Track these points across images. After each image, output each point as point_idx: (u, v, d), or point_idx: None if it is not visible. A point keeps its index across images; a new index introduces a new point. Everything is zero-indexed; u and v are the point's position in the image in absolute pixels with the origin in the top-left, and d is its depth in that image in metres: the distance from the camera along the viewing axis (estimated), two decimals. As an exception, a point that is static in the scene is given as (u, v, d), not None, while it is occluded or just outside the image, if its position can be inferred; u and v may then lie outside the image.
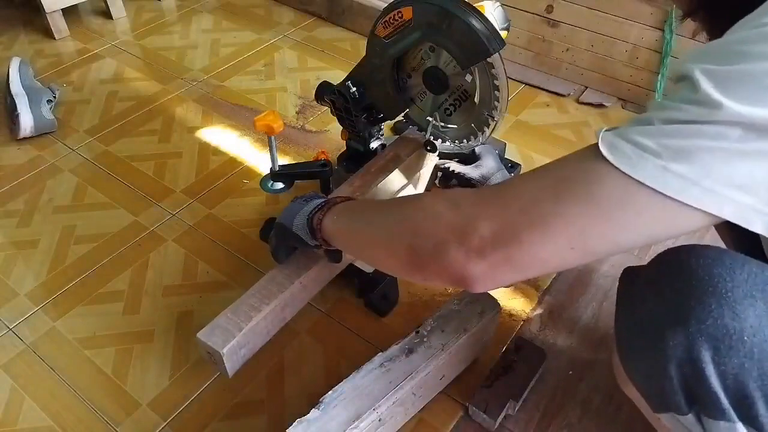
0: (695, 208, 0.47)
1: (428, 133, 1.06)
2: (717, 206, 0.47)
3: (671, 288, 0.57)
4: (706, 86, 0.46)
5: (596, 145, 0.51)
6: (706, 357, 0.53)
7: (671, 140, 0.47)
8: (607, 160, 0.49)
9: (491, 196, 0.58)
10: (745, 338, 0.52)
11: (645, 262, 0.64)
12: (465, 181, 1.13)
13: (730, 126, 0.45)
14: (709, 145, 0.46)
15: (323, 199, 0.84)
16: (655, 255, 0.62)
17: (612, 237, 0.52)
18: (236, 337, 0.89)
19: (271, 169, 1.22)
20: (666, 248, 0.61)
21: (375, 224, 0.71)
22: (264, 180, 1.31)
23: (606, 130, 0.52)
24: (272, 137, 1.14)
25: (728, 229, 0.82)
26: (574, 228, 0.52)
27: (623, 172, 0.48)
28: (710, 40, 0.57)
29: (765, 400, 0.53)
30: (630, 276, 0.66)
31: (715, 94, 0.45)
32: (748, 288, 0.53)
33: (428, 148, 1.09)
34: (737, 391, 0.54)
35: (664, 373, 0.57)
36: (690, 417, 0.58)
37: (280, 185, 1.18)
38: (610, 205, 0.50)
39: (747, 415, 0.54)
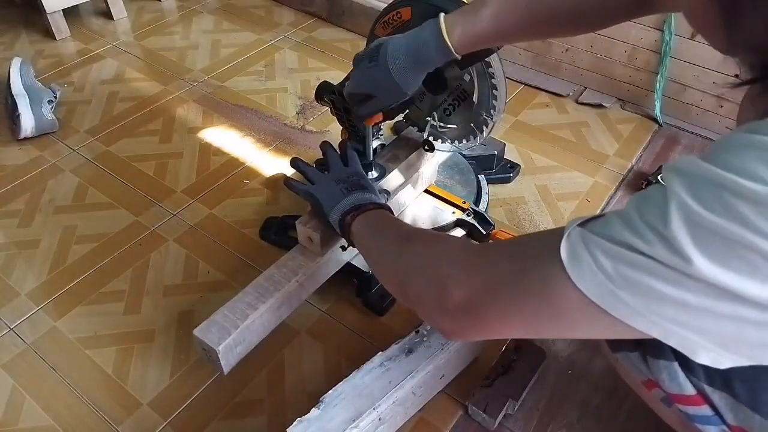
0: (641, 331, 0.47)
1: (426, 133, 1.07)
2: (662, 335, 0.46)
3: None
4: (679, 231, 0.42)
5: (561, 237, 0.50)
6: None
7: (627, 269, 0.46)
8: (565, 269, 0.49)
9: (468, 263, 0.61)
10: None
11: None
12: None
13: (695, 281, 0.43)
14: (663, 290, 0.44)
15: (357, 200, 0.86)
16: None
17: (562, 333, 0.55)
18: (232, 334, 0.89)
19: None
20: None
21: (383, 252, 0.76)
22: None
23: (577, 224, 0.51)
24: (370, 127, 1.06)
25: None
26: (527, 320, 0.55)
27: (577, 286, 0.48)
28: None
29: None
30: None
31: (687, 245, 0.42)
32: None
33: (426, 147, 1.09)
34: None
35: None
36: (637, 354, 0.67)
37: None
38: (561, 311, 0.51)
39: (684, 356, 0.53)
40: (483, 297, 0.57)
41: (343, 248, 0.98)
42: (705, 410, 0.63)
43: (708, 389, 0.62)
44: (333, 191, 0.88)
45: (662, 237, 0.44)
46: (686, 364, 0.62)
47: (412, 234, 0.74)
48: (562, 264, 0.49)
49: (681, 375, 0.63)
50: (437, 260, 0.62)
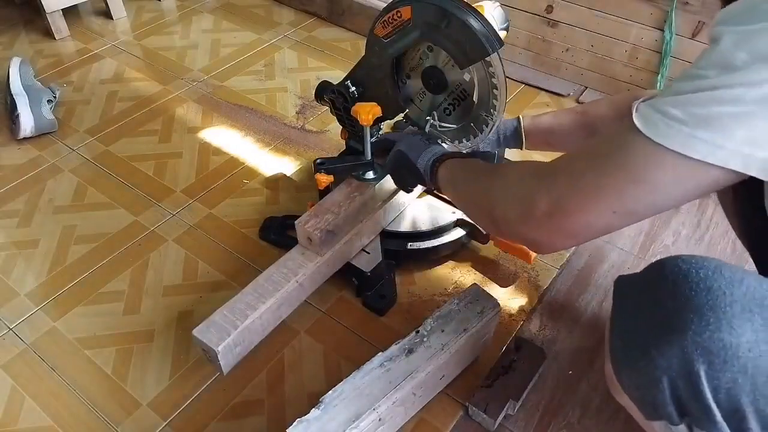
0: (722, 167, 0.50)
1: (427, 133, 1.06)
2: (743, 165, 0.49)
3: (669, 298, 0.57)
4: (729, 47, 0.49)
5: (631, 119, 0.54)
6: (701, 371, 0.54)
7: (697, 109, 0.50)
8: (640, 132, 0.53)
9: (546, 173, 0.63)
10: (740, 354, 0.52)
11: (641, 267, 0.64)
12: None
13: (750, 87, 0.48)
14: (730, 110, 0.48)
15: (442, 149, 0.93)
16: (651, 263, 0.62)
17: (648, 199, 0.55)
18: (231, 334, 0.90)
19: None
20: (663, 256, 0.61)
21: (470, 190, 0.81)
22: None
23: (641, 101, 0.55)
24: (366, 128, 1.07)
25: (731, 198, 0.81)
26: (612, 194, 0.56)
27: (654, 141, 0.52)
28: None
29: (757, 414, 0.53)
30: (624, 284, 0.66)
31: (738, 54, 0.48)
32: (747, 302, 0.53)
33: None
34: (730, 405, 0.54)
35: (657, 384, 0.57)
36: (682, 427, 0.59)
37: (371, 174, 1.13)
38: (643, 170, 0.53)
39: (738, 428, 0.54)
40: (564, 194, 0.59)
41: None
42: None
43: None
44: (416, 143, 0.95)
45: (719, 64, 0.50)
46: None
47: (495, 168, 0.79)
48: (637, 131, 0.53)
49: None
50: (519, 178, 0.67)
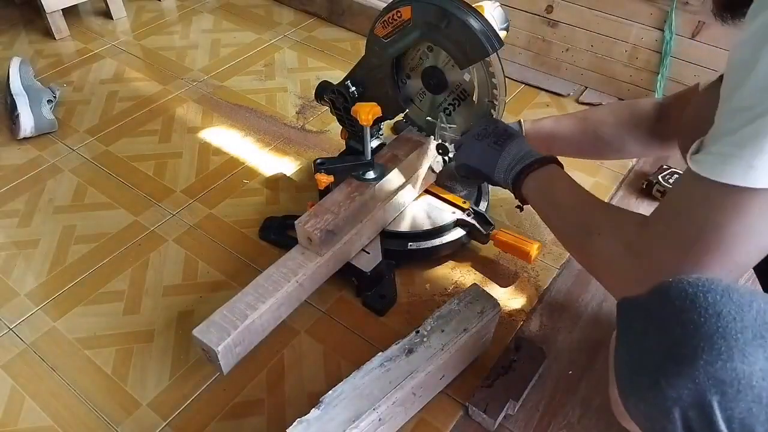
0: None
1: (437, 137, 1.06)
2: None
3: (676, 324, 0.55)
4: None
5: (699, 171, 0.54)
6: (714, 401, 0.51)
7: (747, 140, 0.50)
8: (702, 178, 0.53)
9: (646, 248, 0.60)
10: (754, 383, 0.50)
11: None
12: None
13: None
14: None
15: (522, 154, 0.85)
16: (656, 285, 0.59)
17: (753, 245, 0.54)
18: (231, 334, 0.90)
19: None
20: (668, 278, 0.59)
21: (561, 221, 0.77)
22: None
23: (692, 154, 0.55)
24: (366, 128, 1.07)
25: None
26: (718, 261, 0.55)
27: (718, 182, 0.52)
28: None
29: None
30: (628, 307, 0.63)
31: None
32: (757, 328, 0.51)
33: (440, 152, 1.08)
34: None
35: (667, 416, 0.54)
36: None
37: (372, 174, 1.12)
38: (735, 218, 0.53)
39: None
40: (672, 270, 0.56)
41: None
42: None
43: None
44: (482, 151, 0.88)
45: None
46: None
47: (591, 210, 0.73)
48: (713, 182, 0.53)
49: None
50: (627, 251, 0.62)
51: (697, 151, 0.56)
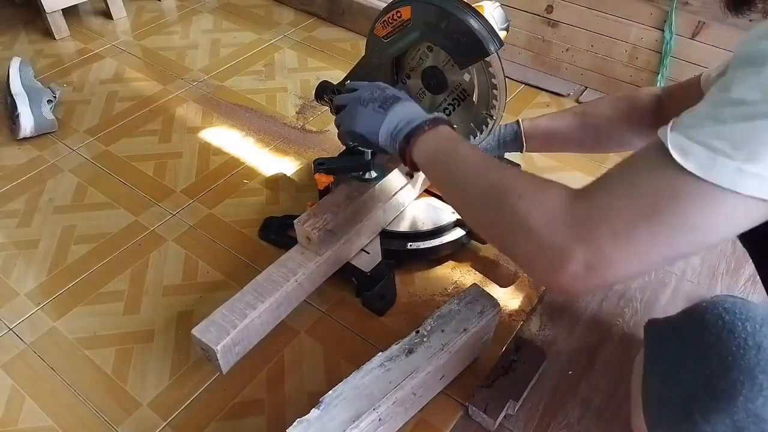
0: None
1: None
2: None
3: (713, 355, 0.52)
4: None
5: (663, 147, 0.49)
6: None
7: (742, 140, 0.46)
8: (687, 171, 0.47)
9: (581, 221, 0.53)
10: None
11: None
12: None
13: None
14: None
15: (408, 118, 0.77)
16: (689, 308, 0.56)
17: (700, 241, 0.50)
18: (231, 334, 0.90)
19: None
20: (701, 300, 0.56)
21: (469, 191, 0.66)
22: None
23: (671, 131, 0.50)
24: None
25: None
26: (664, 243, 0.50)
27: (705, 180, 0.47)
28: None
29: None
30: (658, 331, 0.59)
31: None
32: None
33: None
34: None
35: None
36: None
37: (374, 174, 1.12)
38: (696, 215, 0.48)
39: None
40: (610, 246, 0.51)
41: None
42: None
43: None
44: (367, 115, 0.80)
45: (762, 86, 0.45)
46: None
47: (502, 178, 0.62)
48: (682, 170, 0.47)
49: None
50: (546, 223, 0.54)
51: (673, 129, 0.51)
